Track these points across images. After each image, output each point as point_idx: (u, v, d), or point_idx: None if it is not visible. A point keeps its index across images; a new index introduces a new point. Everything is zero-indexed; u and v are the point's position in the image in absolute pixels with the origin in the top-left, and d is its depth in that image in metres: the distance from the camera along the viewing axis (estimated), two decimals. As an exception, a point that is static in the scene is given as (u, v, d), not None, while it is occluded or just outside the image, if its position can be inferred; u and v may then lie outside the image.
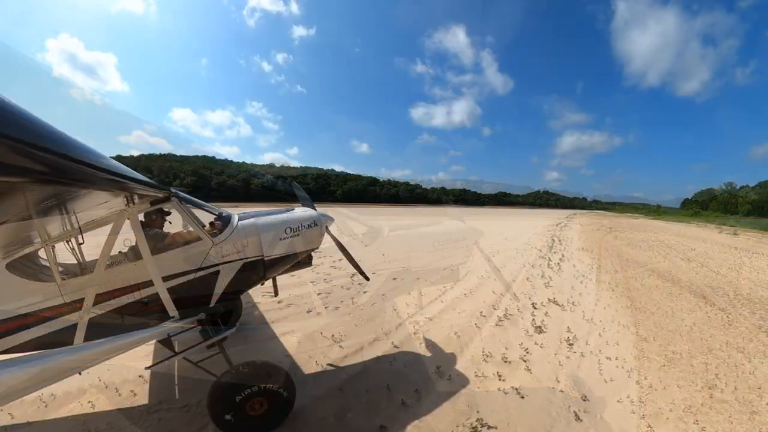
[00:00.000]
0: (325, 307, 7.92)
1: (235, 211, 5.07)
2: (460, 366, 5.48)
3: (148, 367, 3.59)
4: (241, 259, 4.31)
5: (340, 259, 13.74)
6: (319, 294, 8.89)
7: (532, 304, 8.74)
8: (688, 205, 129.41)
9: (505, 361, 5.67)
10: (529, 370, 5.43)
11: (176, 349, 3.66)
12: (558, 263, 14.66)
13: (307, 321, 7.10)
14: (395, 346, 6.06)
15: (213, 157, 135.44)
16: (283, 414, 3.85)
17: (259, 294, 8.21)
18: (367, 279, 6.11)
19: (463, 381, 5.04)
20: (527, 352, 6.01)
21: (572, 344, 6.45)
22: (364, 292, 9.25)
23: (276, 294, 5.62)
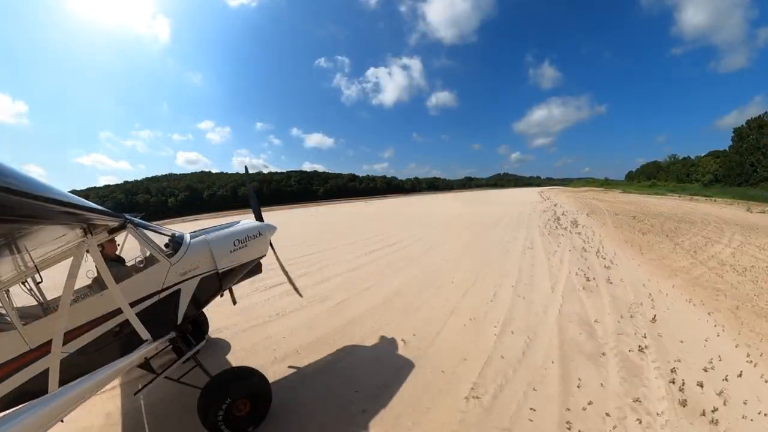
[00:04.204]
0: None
1: (185, 230, 5.13)
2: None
3: (137, 393, 3.62)
4: (198, 275, 4.44)
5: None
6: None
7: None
8: (635, 177, 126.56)
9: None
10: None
11: (155, 371, 3.78)
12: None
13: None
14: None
15: (209, 172, 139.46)
16: (264, 410, 4.24)
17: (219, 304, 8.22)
18: (300, 296, 6.70)
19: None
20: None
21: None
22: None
23: (234, 303, 5.79)
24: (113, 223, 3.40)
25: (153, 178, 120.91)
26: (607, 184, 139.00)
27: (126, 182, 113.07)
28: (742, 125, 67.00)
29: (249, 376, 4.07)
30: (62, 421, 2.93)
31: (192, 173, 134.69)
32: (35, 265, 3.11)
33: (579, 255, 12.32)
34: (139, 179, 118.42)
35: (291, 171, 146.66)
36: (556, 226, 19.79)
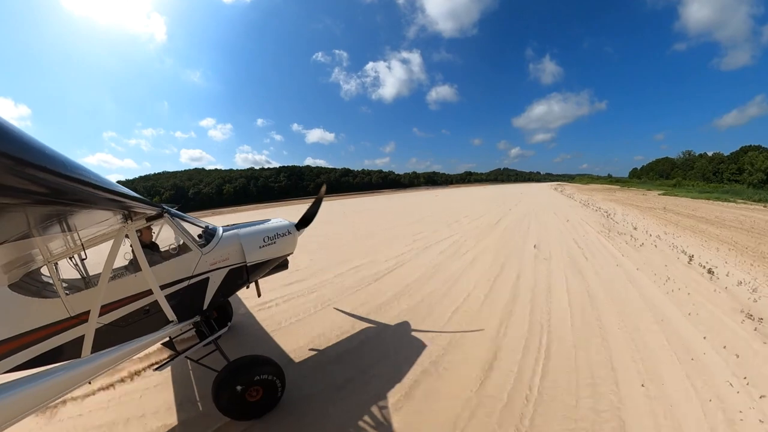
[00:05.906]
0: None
1: (219, 223, 5.47)
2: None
3: (157, 368, 3.92)
4: (227, 266, 4.72)
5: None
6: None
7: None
8: (642, 174, 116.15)
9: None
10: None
11: (178, 350, 4.05)
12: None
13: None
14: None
15: (203, 169, 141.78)
16: (276, 398, 4.35)
17: (244, 295, 8.62)
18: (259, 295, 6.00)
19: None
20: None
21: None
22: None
23: (259, 295, 6.04)
24: (151, 211, 3.71)
25: (145, 176, 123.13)
26: (615, 181, 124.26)
27: (118, 182, 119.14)
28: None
29: (264, 363, 4.21)
30: (89, 383, 3.27)
31: (184, 171, 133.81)
32: (82, 244, 3.47)
33: None
34: (130, 178, 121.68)
35: (282, 166, 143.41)
36: None
